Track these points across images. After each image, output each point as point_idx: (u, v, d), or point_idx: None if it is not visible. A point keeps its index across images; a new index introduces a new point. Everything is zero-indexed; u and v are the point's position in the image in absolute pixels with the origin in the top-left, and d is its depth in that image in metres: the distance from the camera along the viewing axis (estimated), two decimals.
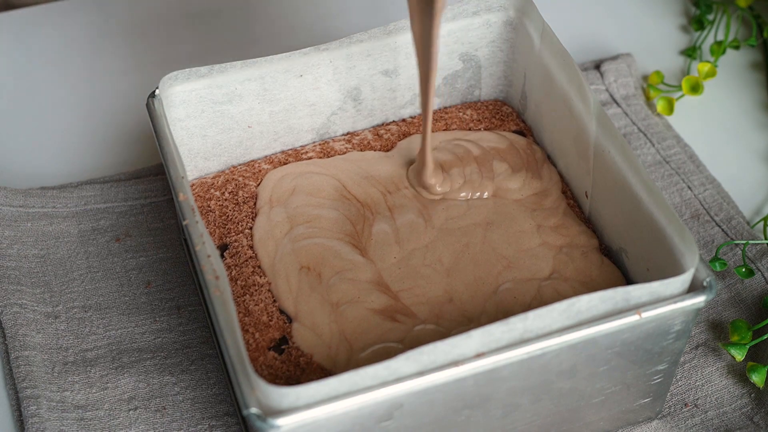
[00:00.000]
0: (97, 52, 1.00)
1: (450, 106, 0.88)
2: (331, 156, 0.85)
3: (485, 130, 0.86)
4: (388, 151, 0.85)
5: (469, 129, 0.86)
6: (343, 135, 0.86)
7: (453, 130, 0.86)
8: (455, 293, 0.76)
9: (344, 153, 0.85)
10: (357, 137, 0.86)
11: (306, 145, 0.85)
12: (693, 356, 0.80)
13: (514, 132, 0.87)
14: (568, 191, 0.83)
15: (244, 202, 0.82)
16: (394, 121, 0.87)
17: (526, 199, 0.81)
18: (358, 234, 0.79)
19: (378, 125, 0.87)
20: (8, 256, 0.84)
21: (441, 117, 0.87)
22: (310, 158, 0.84)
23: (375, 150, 0.85)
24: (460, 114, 0.88)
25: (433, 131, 0.86)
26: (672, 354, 0.72)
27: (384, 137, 0.86)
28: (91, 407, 0.77)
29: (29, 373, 0.78)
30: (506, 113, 0.88)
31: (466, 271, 0.77)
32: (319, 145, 0.85)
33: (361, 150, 0.85)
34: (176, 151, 0.75)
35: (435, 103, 0.88)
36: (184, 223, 0.72)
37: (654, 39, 1.02)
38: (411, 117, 0.87)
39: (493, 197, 0.81)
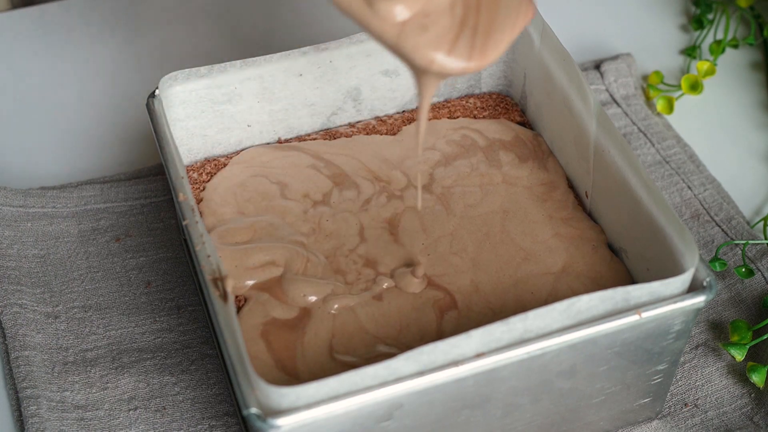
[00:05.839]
0: (97, 52, 1.00)
1: (452, 98, 0.88)
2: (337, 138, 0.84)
3: (490, 118, 0.86)
4: (394, 135, 0.85)
5: (474, 117, 0.86)
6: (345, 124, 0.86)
7: (458, 117, 0.86)
8: (480, 283, 0.76)
9: (350, 137, 0.85)
10: (360, 123, 0.86)
11: (310, 134, 0.85)
12: (693, 356, 0.80)
13: (518, 124, 0.87)
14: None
15: None
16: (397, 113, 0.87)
17: (536, 188, 0.81)
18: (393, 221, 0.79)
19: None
20: (8, 256, 0.84)
21: (444, 106, 0.87)
22: (314, 140, 0.84)
23: (381, 134, 0.85)
24: (463, 103, 0.87)
25: (438, 119, 0.86)
26: (672, 354, 0.72)
27: (388, 123, 0.86)
28: (91, 407, 0.77)
29: (29, 373, 0.78)
30: (510, 104, 0.88)
31: (488, 261, 0.77)
32: (324, 132, 0.85)
33: (367, 134, 0.85)
34: (176, 151, 0.75)
35: (433, 100, 0.88)
36: (184, 223, 0.72)
37: (654, 39, 1.02)
38: (412, 109, 0.87)
39: (504, 183, 0.81)
